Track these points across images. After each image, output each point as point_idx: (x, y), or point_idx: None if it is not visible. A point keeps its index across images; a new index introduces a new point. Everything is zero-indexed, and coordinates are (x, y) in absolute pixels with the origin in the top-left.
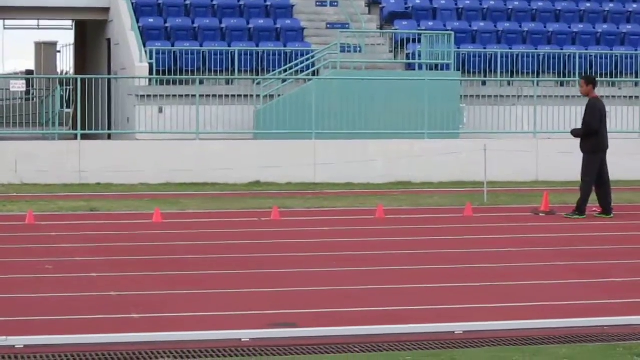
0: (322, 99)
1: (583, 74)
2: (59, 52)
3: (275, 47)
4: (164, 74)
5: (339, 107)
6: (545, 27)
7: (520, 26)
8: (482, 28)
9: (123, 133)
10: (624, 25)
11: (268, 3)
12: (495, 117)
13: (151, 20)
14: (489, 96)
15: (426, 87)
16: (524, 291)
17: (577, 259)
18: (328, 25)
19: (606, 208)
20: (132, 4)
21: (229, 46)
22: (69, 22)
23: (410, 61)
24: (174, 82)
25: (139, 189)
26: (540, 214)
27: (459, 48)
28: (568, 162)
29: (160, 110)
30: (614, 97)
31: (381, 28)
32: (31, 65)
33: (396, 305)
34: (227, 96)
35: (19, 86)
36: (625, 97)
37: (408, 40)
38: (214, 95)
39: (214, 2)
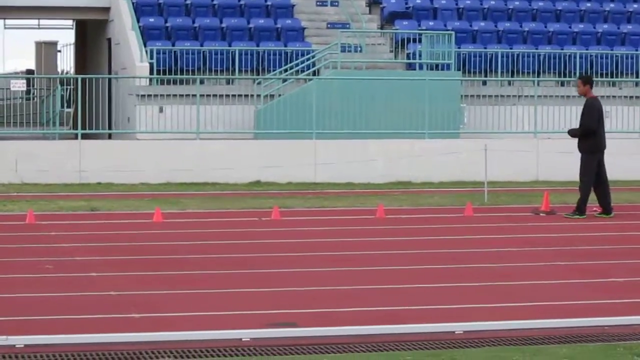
0: (322, 98)
1: (580, 74)
2: (60, 51)
3: (275, 46)
4: (164, 73)
5: (340, 107)
6: (545, 27)
7: (521, 26)
8: (483, 28)
9: (123, 133)
10: (624, 25)
11: (268, 3)
12: (496, 117)
13: (152, 19)
14: (490, 96)
15: (427, 87)
16: (524, 291)
17: (577, 258)
18: (328, 25)
19: (606, 208)
20: (133, 3)
21: (230, 46)
22: (69, 22)
23: (411, 61)
24: (175, 82)
25: (140, 188)
26: (541, 214)
27: (459, 48)
28: (568, 162)
29: (161, 110)
30: (614, 97)
31: (382, 28)
32: (32, 65)
33: (396, 305)
34: (227, 96)
35: (19, 86)
36: (625, 97)
37: (408, 40)
38: (215, 95)
39: (215, 2)
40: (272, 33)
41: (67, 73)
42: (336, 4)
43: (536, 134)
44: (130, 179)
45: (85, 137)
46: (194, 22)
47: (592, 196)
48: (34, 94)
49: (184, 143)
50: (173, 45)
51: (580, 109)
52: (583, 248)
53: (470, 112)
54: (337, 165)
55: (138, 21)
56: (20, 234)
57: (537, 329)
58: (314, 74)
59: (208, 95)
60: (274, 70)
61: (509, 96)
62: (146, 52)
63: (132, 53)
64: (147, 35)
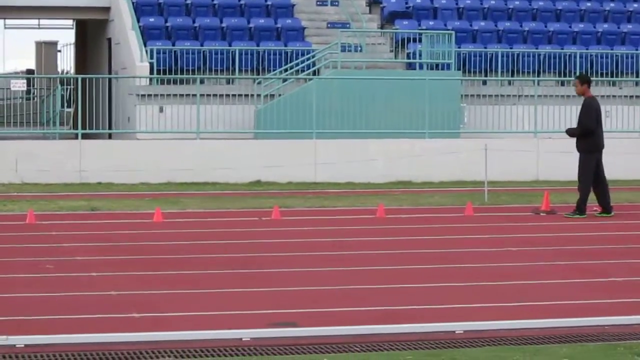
0: (322, 98)
1: (577, 74)
2: (60, 51)
3: (275, 46)
4: (164, 73)
5: (340, 107)
6: (545, 26)
7: (521, 26)
8: (483, 27)
9: (124, 132)
10: (624, 25)
11: (269, 2)
12: (496, 117)
13: (152, 19)
14: (490, 96)
15: (427, 86)
16: (525, 291)
17: (577, 258)
18: (329, 25)
19: (606, 207)
20: (133, 3)
21: (230, 46)
22: (69, 22)
23: (411, 61)
24: (175, 82)
25: (140, 188)
26: (541, 214)
27: (459, 47)
28: (569, 162)
29: (161, 110)
30: (614, 96)
31: (382, 27)
32: (32, 65)
33: (396, 304)
34: (227, 96)
35: (19, 85)
36: (625, 96)
37: (409, 39)
38: (215, 95)
39: (215, 2)
40: (272, 33)
41: (67, 73)
42: (336, 3)
43: (536, 133)
44: (130, 178)
45: (85, 137)
46: (194, 21)
47: (592, 196)
48: (34, 93)
49: (184, 143)
50: (173, 45)
51: (580, 108)
52: (583, 248)
53: (470, 111)
54: (337, 165)
55: (138, 21)
56: (20, 234)
57: (537, 329)
58: (314, 73)
59: (208, 95)
60: (274, 70)
61: (509, 96)
62: (146, 51)
63: (132, 53)
64: (147, 35)
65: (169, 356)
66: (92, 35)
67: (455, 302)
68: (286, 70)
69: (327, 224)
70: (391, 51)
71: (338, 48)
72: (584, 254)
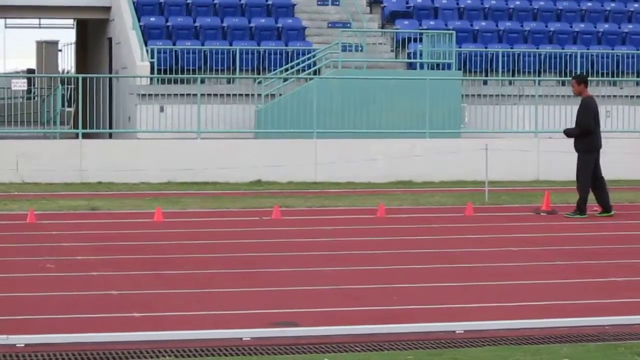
0: (323, 98)
1: (574, 74)
2: (60, 51)
3: (276, 46)
4: (165, 73)
5: (340, 107)
6: (546, 26)
7: (522, 25)
8: (484, 27)
9: (124, 132)
10: (625, 25)
11: (269, 2)
12: (497, 117)
13: (152, 19)
14: (490, 95)
15: (427, 86)
16: (525, 290)
17: (578, 258)
18: (329, 25)
19: (605, 206)
20: (134, 3)
21: (230, 45)
22: (70, 21)
23: (412, 60)
24: (175, 81)
25: (140, 188)
26: (542, 214)
27: (460, 47)
28: (569, 162)
29: (162, 109)
30: (615, 96)
31: (382, 27)
32: (32, 64)
33: (397, 304)
34: (228, 95)
35: (20, 85)
36: (626, 96)
37: (409, 39)
38: (215, 95)
39: (215, 1)
40: (272, 32)
41: (68, 72)
42: (337, 3)
43: (537, 133)
44: (131, 178)
45: (86, 136)
46: (194, 21)
47: (592, 196)
48: (34, 93)
49: (185, 142)
50: (174, 44)
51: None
52: (583, 248)
53: (471, 111)
54: (337, 164)
55: (139, 20)
56: (21, 234)
57: (537, 329)
58: (314, 73)
59: (209, 95)
60: (274, 70)
61: (509, 96)
62: (147, 51)
63: (132, 52)
64: (147, 34)
65: (169, 356)
66: (92, 34)
67: (455, 301)
68: (287, 70)
69: (328, 224)
70: (392, 51)
71: (339, 48)
72: (584, 254)
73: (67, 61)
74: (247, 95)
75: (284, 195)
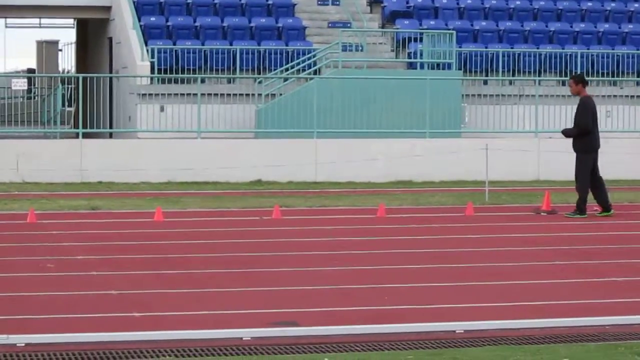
0: (323, 98)
1: (572, 74)
2: (61, 50)
3: (276, 46)
4: (165, 72)
5: (341, 106)
6: (546, 26)
7: (522, 25)
8: (484, 27)
9: (124, 132)
10: (625, 25)
11: (270, 2)
12: (497, 116)
13: (153, 18)
14: (491, 95)
15: (428, 86)
16: (525, 290)
17: (578, 258)
18: (329, 24)
19: (604, 205)
20: (134, 2)
21: (231, 45)
22: (70, 21)
23: (412, 60)
24: (176, 81)
25: (141, 187)
26: (542, 214)
27: (460, 47)
28: (569, 162)
29: (162, 109)
30: (615, 96)
31: (383, 27)
32: (33, 64)
33: (397, 304)
34: (228, 95)
35: (20, 85)
36: (626, 96)
37: (409, 39)
38: (216, 94)
39: (216, 1)
40: (273, 32)
41: (68, 72)
42: (337, 3)
43: (537, 133)
44: (131, 178)
45: (86, 136)
46: (195, 21)
47: (591, 196)
48: (35, 93)
49: (185, 142)
50: (174, 44)
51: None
52: (584, 247)
53: (471, 111)
54: (338, 164)
55: (139, 20)
56: (21, 233)
57: (537, 329)
58: (315, 73)
59: (209, 94)
60: (275, 70)
61: (510, 95)
62: (147, 51)
63: (133, 52)
64: (148, 34)
65: (170, 355)
66: (93, 34)
67: (455, 301)
68: (287, 69)
69: (328, 224)
70: (392, 51)
71: (339, 47)
72: (584, 254)
73: (67, 61)
74: (247, 95)
75: (284, 195)
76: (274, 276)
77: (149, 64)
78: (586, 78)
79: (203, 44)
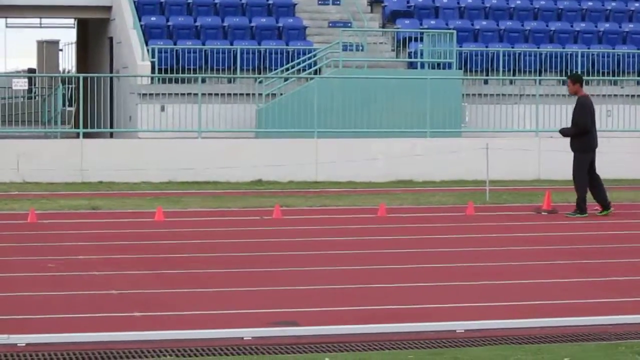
0: (324, 97)
1: (570, 73)
2: (61, 50)
3: (277, 45)
4: (166, 72)
5: (341, 106)
6: (547, 25)
7: (523, 25)
8: (484, 27)
9: (125, 131)
10: (626, 24)
11: (270, 2)
12: (497, 116)
13: (153, 18)
14: (491, 95)
15: (428, 85)
16: (526, 290)
17: (578, 257)
18: (330, 24)
19: (603, 204)
20: (134, 2)
21: (231, 45)
22: (71, 21)
23: (412, 60)
24: (176, 81)
25: (141, 187)
26: (542, 213)
27: (461, 47)
28: (570, 161)
29: (162, 109)
30: (616, 95)
31: (383, 27)
32: (33, 64)
33: (397, 303)
34: (229, 95)
35: (21, 85)
36: (627, 95)
37: (410, 39)
38: (216, 94)
39: (216, 1)
40: (273, 32)
41: (68, 72)
42: (338, 2)
43: (538, 132)
44: (131, 177)
45: (86, 136)
46: (195, 20)
47: (590, 196)
48: (35, 92)
49: (186, 142)
50: (175, 44)
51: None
52: (584, 247)
53: (471, 111)
54: (338, 164)
55: (140, 20)
56: (21, 233)
57: (538, 328)
58: (315, 72)
59: (210, 94)
60: (275, 69)
61: (510, 95)
62: (148, 50)
63: (133, 52)
64: (148, 34)
65: (170, 355)
66: (93, 34)
67: (456, 301)
68: (287, 69)
69: (328, 223)
70: (392, 50)
71: (339, 47)
72: (585, 253)
73: (67, 61)
74: (247, 94)
75: (284, 195)
76: (274, 276)
77: (149, 63)
78: (587, 77)
79: (203, 44)
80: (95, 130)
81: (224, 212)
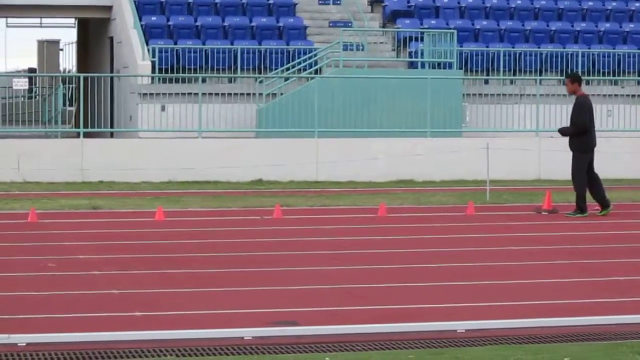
0: (324, 97)
1: (568, 73)
2: (62, 50)
3: (277, 45)
4: (166, 72)
5: (342, 106)
6: (547, 25)
7: (523, 25)
8: (485, 26)
9: (125, 131)
10: (626, 24)
11: (270, 1)
12: (498, 116)
13: (154, 18)
14: (492, 95)
15: (429, 85)
16: (526, 289)
17: (579, 257)
18: (330, 24)
19: (602, 202)
20: (135, 2)
21: (232, 44)
22: (71, 20)
23: (413, 60)
24: (177, 81)
25: (142, 187)
26: (543, 213)
27: (461, 46)
28: (570, 161)
29: (163, 109)
30: (616, 95)
31: (384, 26)
32: (34, 64)
33: (398, 303)
34: (229, 94)
35: (21, 84)
36: (627, 95)
37: (410, 38)
38: (217, 94)
39: (217, 1)
40: (274, 32)
41: (69, 71)
42: (338, 2)
43: (538, 132)
44: (132, 177)
45: (87, 135)
46: (196, 20)
47: (589, 196)
48: (36, 92)
49: (186, 141)
50: (175, 43)
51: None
52: (585, 247)
53: (472, 110)
54: (339, 163)
55: (140, 20)
56: (22, 233)
57: (539, 328)
58: (316, 72)
59: (210, 94)
60: (276, 69)
61: (511, 95)
62: (148, 50)
63: (134, 51)
64: (149, 33)
65: (171, 355)
66: (94, 33)
67: (456, 301)
68: (288, 69)
69: (329, 223)
70: (393, 50)
71: (340, 47)
72: (585, 253)
73: (68, 60)
74: (248, 94)
75: (285, 195)
76: (275, 276)
77: (150, 63)
78: (587, 77)
79: (204, 44)
80: (96, 130)
81: (225, 211)
